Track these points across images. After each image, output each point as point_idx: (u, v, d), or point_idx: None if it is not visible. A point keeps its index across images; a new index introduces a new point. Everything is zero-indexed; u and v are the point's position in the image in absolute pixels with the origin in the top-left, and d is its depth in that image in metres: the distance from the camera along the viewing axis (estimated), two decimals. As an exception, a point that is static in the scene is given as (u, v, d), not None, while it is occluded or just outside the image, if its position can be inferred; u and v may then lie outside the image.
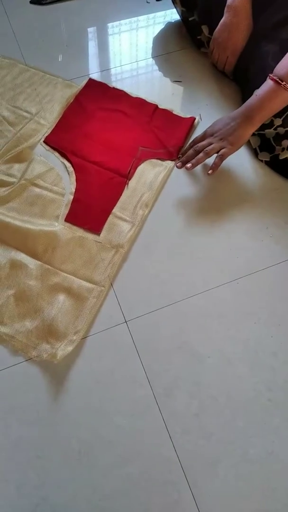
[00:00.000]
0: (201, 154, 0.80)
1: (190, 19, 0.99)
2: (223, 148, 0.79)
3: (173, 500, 0.59)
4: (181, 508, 0.59)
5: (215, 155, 0.80)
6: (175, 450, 0.62)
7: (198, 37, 1.01)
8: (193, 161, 0.80)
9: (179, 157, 0.88)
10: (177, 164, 0.82)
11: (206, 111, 0.96)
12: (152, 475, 0.61)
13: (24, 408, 0.64)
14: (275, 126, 0.83)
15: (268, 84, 0.76)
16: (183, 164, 0.81)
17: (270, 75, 0.76)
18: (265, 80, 0.77)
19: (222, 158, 0.80)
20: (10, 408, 0.64)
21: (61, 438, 0.63)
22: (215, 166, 0.80)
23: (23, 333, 0.69)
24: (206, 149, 0.80)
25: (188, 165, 0.80)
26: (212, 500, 0.60)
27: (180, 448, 0.63)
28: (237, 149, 0.81)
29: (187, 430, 0.64)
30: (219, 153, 0.80)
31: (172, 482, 0.60)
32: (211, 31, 0.95)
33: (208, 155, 0.80)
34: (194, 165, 0.80)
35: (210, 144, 0.80)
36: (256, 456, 0.63)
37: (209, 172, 0.80)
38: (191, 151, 0.82)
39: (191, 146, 0.84)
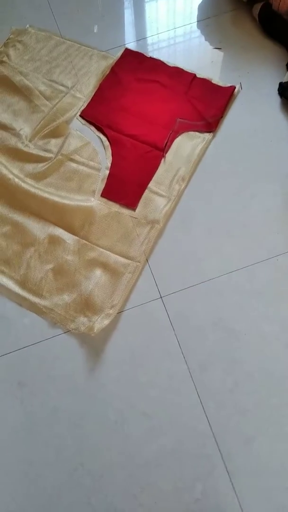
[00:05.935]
0: None
1: None
2: None
3: (206, 472, 0.60)
4: (213, 479, 0.60)
5: None
6: (210, 425, 0.63)
7: None
8: None
9: None
10: None
11: (248, 79, 0.91)
12: (185, 447, 0.62)
13: (62, 378, 0.67)
14: None
15: None
16: None
17: None
18: None
19: None
20: (49, 378, 0.67)
21: (98, 408, 0.65)
22: None
23: (62, 306, 0.70)
24: None
25: None
26: (245, 475, 0.60)
27: (215, 423, 0.63)
28: None
29: (222, 405, 0.64)
30: None
31: (205, 455, 0.61)
32: None
33: None
34: None
35: None
36: (292, 434, 0.62)
37: None
38: None
39: None
